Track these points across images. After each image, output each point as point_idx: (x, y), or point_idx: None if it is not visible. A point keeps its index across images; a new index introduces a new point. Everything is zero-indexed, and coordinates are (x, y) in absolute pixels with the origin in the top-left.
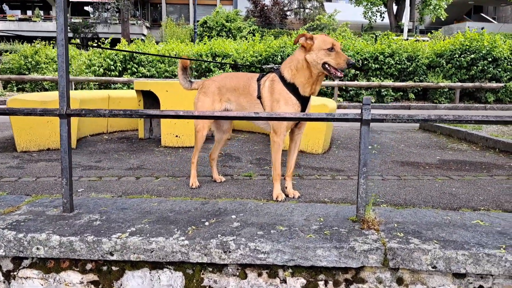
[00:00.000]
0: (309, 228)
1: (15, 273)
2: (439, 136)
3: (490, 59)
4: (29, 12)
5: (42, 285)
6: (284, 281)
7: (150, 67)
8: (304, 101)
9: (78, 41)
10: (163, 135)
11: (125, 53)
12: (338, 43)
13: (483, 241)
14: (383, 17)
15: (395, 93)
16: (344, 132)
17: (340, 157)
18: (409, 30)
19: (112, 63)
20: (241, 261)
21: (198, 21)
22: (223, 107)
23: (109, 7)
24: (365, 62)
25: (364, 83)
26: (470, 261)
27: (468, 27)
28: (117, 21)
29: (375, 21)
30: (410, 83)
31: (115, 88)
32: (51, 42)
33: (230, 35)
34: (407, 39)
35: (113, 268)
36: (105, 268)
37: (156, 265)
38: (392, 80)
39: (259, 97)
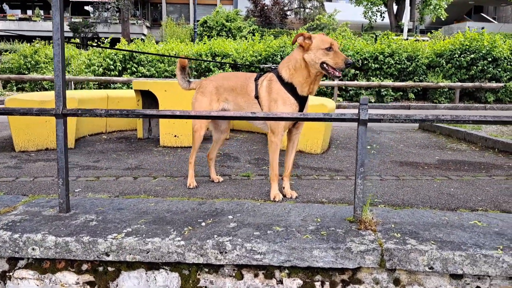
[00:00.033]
0: (306, 228)
1: (11, 273)
2: (438, 136)
3: (490, 59)
4: (29, 12)
5: (37, 285)
6: (280, 282)
7: (150, 67)
8: (302, 101)
9: (77, 40)
10: (162, 135)
11: (124, 52)
12: (336, 42)
13: (481, 241)
14: (383, 17)
15: (395, 93)
16: (344, 132)
17: (339, 157)
18: (409, 30)
19: (111, 62)
20: (237, 261)
21: (198, 20)
22: (220, 107)
23: (109, 6)
24: (365, 62)
25: (364, 83)
26: (467, 262)
27: (468, 27)
28: (117, 21)
29: (375, 21)
30: (410, 83)
31: (114, 88)
32: (50, 41)
33: (230, 35)
34: (407, 39)
35: (109, 268)
36: (101, 268)
37: (152, 266)
38: (392, 80)
39: (256, 97)
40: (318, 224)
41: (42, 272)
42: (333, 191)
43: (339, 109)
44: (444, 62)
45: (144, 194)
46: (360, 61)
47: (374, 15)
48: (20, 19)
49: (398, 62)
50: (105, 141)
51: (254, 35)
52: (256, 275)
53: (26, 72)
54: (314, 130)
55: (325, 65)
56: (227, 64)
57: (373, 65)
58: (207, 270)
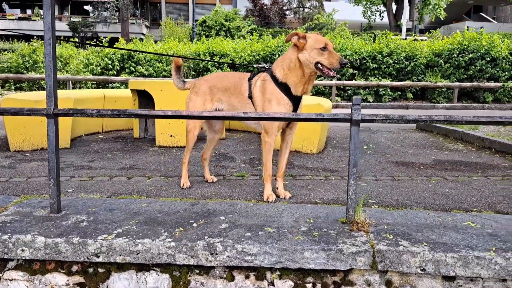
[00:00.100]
0: (298, 229)
1: (1, 274)
2: (435, 136)
3: (489, 59)
4: (28, 11)
5: (27, 287)
6: (272, 283)
7: (148, 66)
8: (296, 101)
9: (76, 40)
10: (158, 134)
11: (123, 52)
12: (330, 42)
13: (473, 243)
14: (383, 17)
15: (393, 92)
16: (341, 131)
17: (335, 157)
18: (408, 30)
19: (110, 62)
20: (228, 263)
21: (197, 20)
22: (214, 107)
23: (108, 6)
24: (363, 62)
25: (362, 82)
26: (460, 263)
27: (467, 26)
28: (117, 20)
29: (374, 21)
30: (408, 83)
31: (112, 87)
32: None
33: (229, 35)
34: (406, 39)
35: (99, 270)
36: (91, 270)
37: (142, 267)
38: (390, 79)
39: (250, 97)
40: (310, 225)
41: (32, 273)
42: (327, 191)
43: (337, 109)
44: (443, 62)
45: (137, 194)
46: (358, 60)
47: (373, 15)
48: (20, 19)
49: (396, 61)
50: (101, 141)
51: (252, 34)
52: (247, 277)
53: (24, 72)
54: (310, 130)
55: (319, 65)
56: (225, 64)
57: (371, 64)
58: (197, 271)
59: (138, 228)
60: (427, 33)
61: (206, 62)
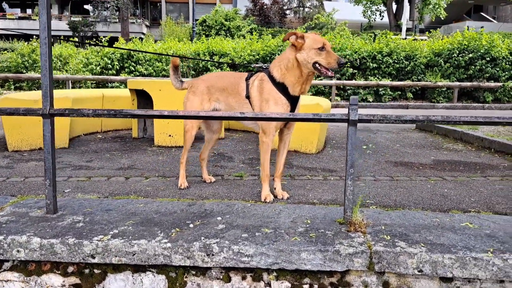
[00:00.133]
0: (295, 230)
1: None
2: (435, 136)
3: (488, 59)
4: (28, 11)
5: None
6: (268, 284)
7: (148, 66)
8: (293, 101)
9: (76, 39)
10: (156, 134)
11: (122, 51)
12: (328, 42)
13: (471, 244)
14: (383, 16)
15: (393, 92)
16: (340, 131)
17: (334, 157)
18: (409, 29)
19: (109, 61)
20: (224, 264)
21: (197, 19)
22: (212, 107)
23: (108, 5)
24: (363, 61)
25: (362, 82)
26: (457, 265)
27: (468, 26)
28: (117, 20)
29: (375, 20)
30: (408, 82)
31: (112, 87)
32: None
33: (229, 34)
34: (405, 38)
35: (95, 271)
36: (87, 271)
37: (138, 268)
38: (390, 79)
39: (247, 96)
40: (307, 226)
41: (28, 274)
42: (325, 191)
43: (336, 109)
44: (443, 62)
45: (134, 194)
46: (358, 60)
47: (373, 14)
48: (20, 18)
49: (396, 61)
50: (99, 141)
51: (252, 34)
52: (243, 278)
53: (24, 71)
54: (309, 130)
55: (317, 65)
56: (225, 63)
57: (371, 64)
58: (194, 272)
59: (134, 229)
60: (427, 32)
61: (206, 62)
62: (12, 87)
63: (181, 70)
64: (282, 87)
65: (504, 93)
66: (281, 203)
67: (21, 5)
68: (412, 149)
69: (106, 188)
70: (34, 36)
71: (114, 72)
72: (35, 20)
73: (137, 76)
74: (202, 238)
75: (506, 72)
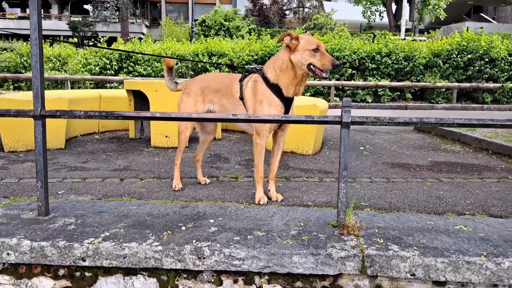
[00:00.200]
0: (288, 233)
1: None
2: (433, 137)
3: (487, 59)
4: (28, 10)
5: None
6: None
7: (147, 66)
8: (287, 102)
9: (75, 40)
10: (153, 135)
11: (121, 51)
12: (322, 43)
13: (464, 247)
14: (382, 17)
15: (392, 93)
16: (337, 132)
17: (330, 158)
18: (408, 30)
19: (108, 62)
20: (215, 267)
21: (196, 20)
22: (206, 108)
23: (108, 5)
24: (362, 62)
25: (360, 83)
26: (450, 268)
27: (467, 27)
28: (117, 20)
29: (374, 21)
30: (407, 83)
31: (111, 87)
32: (47, 40)
33: (228, 34)
34: (404, 39)
35: (86, 274)
36: (78, 274)
37: (129, 271)
38: (389, 80)
39: (241, 98)
40: (300, 228)
41: (18, 277)
42: (320, 193)
43: (335, 109)
44: (441, 62)
45: (128, 196)
46: (356, 60)
47: (373, 15)
48: (20, 18)
49: (395, 62)
50: (96, 141)
51: (251, 34)
52: (235, 281)
53: (23, 71)
54: (305, 131)
55: (312, 67)
56: (223, 64)
57: (370, 65)
58: (185, 275)
59: (125, 232)
60: (426, 33)
61: (202, 62)
62: (11, 87)
63: (180, 70)
64: (276, 89)
65: (503, 94)
66: (275, 206)
67: (21, 5)
68: (410, 150)
69: (100, 189)
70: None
71: (113, 72)
72: None
73: (136, 76)
74: (194, 241)
75: (505, 73)
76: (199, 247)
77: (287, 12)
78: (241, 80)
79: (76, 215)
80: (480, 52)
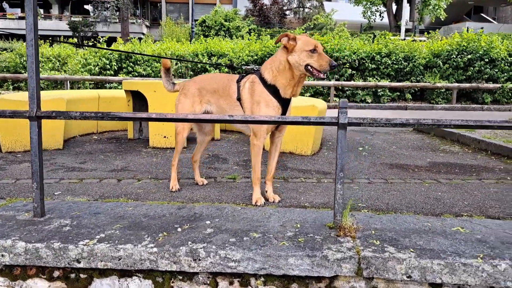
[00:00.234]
0: (284, 235)
1: None
2: (432, 138)
3: (487, 60)
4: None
5: None
6: None
7: (146, 66)
8: (285, 103)
9: (75, 40)
10: (151, 135)
11: (119, 52)
12: (320, 44)
13: (461, 249)
14: (383, 17)
15: (392, 93)
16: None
17: (329, 159)
18: (409, 30)
19: (107, 62)
20: (211, 269)
21: (196, 20)
22: (203, 109)
23: (108, 5)
24: (362, 62)
25: (360, 83)
26: (446, 270)
27: (468, 27)
28: (117, 20)
29: (374, 21)
30: (407, 83)
31: (110, 87)
32: (47, 40)
33: (228, 35)
34: (404, 39)
35: (81, 275)
36: (73, 275)
37: (124, 273)
38: (389, 80)
39: (239, 99)
40: (297, 230)
41: (13, 279)
42: (318, 194)
43: (335, 110)
44: (441, 63)
45: (125, 197)
46: (356, 61)
47: (373, 15)
48: (20, 18)
49: (395, 62)
50: (95, 142)
51: (250, 34)
52: (231, 283)
53: (23, 71)
54: (304, 132)
55: (309, 67)
56: (223, 63)
57: (370, 65)
58: (181, 277)
59: (121, 233)
60: (425, 33)
61: (200, 63)
62: (11, 87)
63: (180, 70)
64: (273, 90)
65: (503, 94)
66: (272, 207)
67: (21, 5)
68: (409, 151)
69: (97, 190)
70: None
71: (112, 72)
72: None
73: (136, 76)
74: (189, 242)
75: (505, 73)
76: (195, 248)
77: (287, 12)
78: (238, 81)
79: (72, 216)
80: (480, 52)
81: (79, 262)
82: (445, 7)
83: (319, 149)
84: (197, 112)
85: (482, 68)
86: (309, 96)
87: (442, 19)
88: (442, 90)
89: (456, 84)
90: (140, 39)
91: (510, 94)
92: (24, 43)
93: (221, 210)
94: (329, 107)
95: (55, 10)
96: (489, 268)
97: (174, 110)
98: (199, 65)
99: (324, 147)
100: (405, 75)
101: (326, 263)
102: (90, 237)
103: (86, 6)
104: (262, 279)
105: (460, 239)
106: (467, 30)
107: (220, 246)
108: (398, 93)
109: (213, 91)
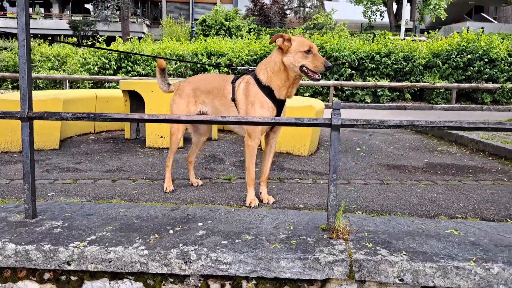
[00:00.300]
0: (276, 237)
1: None
2: (430, 138)
3: (487, 60)
4: (29, 10)
5: None
6: None
7: (145, 66)
8: (279, 104)
9: (75, 39)
10: (148, 136)
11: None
12: (315, 45)
13: (454, 252)
14: (383, 17)
15: (391, 93)
16: None
17: (326, 159)
18: (409, 30)
19: (107, 61)
20: (202, 272)
21: (197, 19)
22: (198, 109)
23: (109, 5)
24: (361, 62)
25: (360, 83)
26: (438, 274)
27: (468, 27)
28: (117, 19)
29: (375, 21)
30: (406, 83)
31: (109, 87)
32: (48, 38)
33: (228, 34)
34: (404, 39)
35: (72, 277)
36: (63, 277)
37: (115, 275)
38: (388, 80)
39: (233, 99)
40: (289, 232)
41: (3, 281)
42: (313, 196)
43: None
44: (441, 63)
45: (118, 198)
46: (356, 61)
47: (373, 15)
48: None
49: (394, 62)
50: (92, 142)
51: (250, 34)
52: (222, 286)
53: None
54: (301, 132)
55: (304, 68)
56: (222, 64)
57: (369, 65)
58: (172, 280)
59: (112, 235)
60: (425, 33)
61: (196, 63)
62: (10, 86)
63: (179, 70)
64: (268, 91)
65: (503, 95)
66: (266, 208)
67: None
68: (406, 152)
69: (91, 191)
70: (31, 35)
71: (112, 72)
72: (35, 19)
73: (135, 76)
74: (181, 245)
75: (505, 74)
76: (186, 251)
77: (287, 11)
78: (233, 82)
79: (63, 218)
80: (480, 52)
81: (70, 265)
82: (446, 6)
83: (316, 150)
84: (192, 112)
85: (482, 68)
86: (308, 96)
87: (443, 19)
88: (442, 90)
89: (456, 84)
90: (140, 38)
91: (509, 94)
92: None
93: (214, 212)
94: (328, 107)
95: (55, 9)
96: (481, 271)
97: None
98: (198, 65)
99: (322, 147)
100: (404, 75)
101: (318, 266)
102: (81, 239)
103: (86, 5)
104: (254, 281)
105: (453, 242)
106: (468, 30)
107: (211, 248)
108: (398, 93)
109: (208, 92)
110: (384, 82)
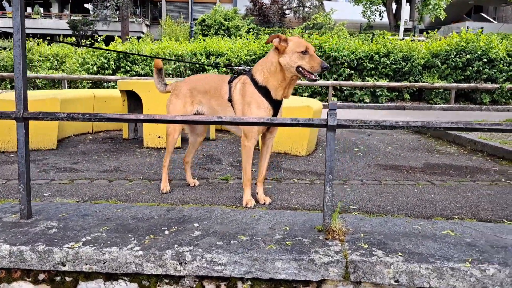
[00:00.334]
0: (272, 238)
1: None
2: (428, 138)
3: (486, 60)
4: (29, 9)
5: None
6: None
7: (144, 66)
8: (276, 105)
9: (74, 39)
10: (146, 135)
11: (117, 52)
12: (311, 46)
13: (450, 253)
14: (382, 16)
15: (390, 93)
16: None
17: (324, 159)
18: (409, 30)
19: (105, 61)
20: (197, 273)
21: (196, 19)
22: (194, 110)
23: (108, 4)
24: (360, 62)
25: (358, 83)
26: (434, 275)
27: (468, 27)
28: (117, 19)
29: (374, 20)
30: (405, 83)
31: (108, 87)
32: (47, 38)
33: (227, 34)
34: (403, 39)
35: (67, 278)
36: (58, 278)
37: (110, 276)
38: (387, 80)
39: (230, 100)
40: (285, 233)
41: None
42: (309, 196)
43: None
44: (440, 63)
45: (115, 198)
46: (355, 61)
47: (373, 15)
48: None
49: (393, 62)
50: (89, 142)
51: (249, 34)
52: (218, 287)
53: None
54: (299, 132)
55: (300, 69)
56: (221, 64)
57: (368, 65)
58: (167, 281)
59: (107, 236)
60: (424, 33)
61: (197, 63)
62: (9, 86)
63: (178, 70)
64: (264, 91)
65: (502, 95)
66: (262, 209)
67: None
68: (404, 152)
69: (87, 191)
70: (30, 35)
71: (110, 71)
72: (35, 19)
73: (134, 76)
74: (176, 245)
75: (504, 74)
76: (181, 252)
77: (287, 11)
78: (230, 82)
79: (59, 218)
80: (479, 52)
81: (64, 265)
82: (445, 6)
83: (314, 150)
84: (189, 113)
85: (481, 68)
86: (307, 96)
87: (442, 19)
88: (441, 90)
89: (455, 84)
90: (139, 38)
91: (508, 95)
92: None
93: (210, 212)
94: (327, 107)
95: (55, 9)
96: (477, 272)
97: None
98: (197, 65)
99: (320, 147)
100: (403, 75)
101: (313, 267)
102: (76, 239)
103: (86, 5)
104: (249, 282)
105: (449, 243)
106: (467, 30)
107: (206, 249)
108: (397, 93)
109: (204, 92)
110: (383, 82)
